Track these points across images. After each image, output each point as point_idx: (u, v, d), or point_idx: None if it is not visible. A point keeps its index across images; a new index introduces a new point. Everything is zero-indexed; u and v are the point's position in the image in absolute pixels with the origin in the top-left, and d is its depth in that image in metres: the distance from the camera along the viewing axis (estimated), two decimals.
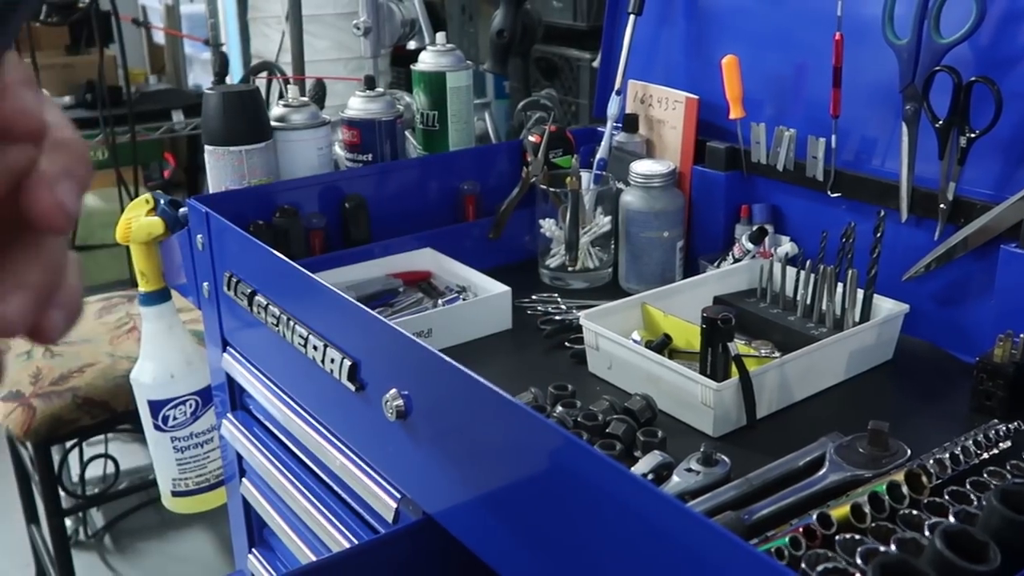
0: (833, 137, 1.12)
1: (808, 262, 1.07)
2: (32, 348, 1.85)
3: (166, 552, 2.33)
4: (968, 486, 0.77)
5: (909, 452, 0.82)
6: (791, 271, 1.10)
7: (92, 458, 2.22)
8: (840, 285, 1.04)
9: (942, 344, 1.07)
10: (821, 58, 1.11)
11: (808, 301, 1.07)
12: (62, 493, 1.88)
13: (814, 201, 1.17)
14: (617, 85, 1.34)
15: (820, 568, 0.65)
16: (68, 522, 2.33)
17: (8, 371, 1.78)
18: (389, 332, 0.82)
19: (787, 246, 1.18)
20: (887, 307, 1.03)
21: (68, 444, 2.00)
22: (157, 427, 1.29)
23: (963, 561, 0.57)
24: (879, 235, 1.01)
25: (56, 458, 1.84)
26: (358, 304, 0.87)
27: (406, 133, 1.47)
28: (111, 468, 2.16)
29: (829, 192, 1.14)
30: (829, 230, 1.09)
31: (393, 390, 0.82)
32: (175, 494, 1.32)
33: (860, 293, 1.03)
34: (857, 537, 0.70)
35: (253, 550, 1.28)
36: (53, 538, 1.83)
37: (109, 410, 1.75)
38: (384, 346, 0.85)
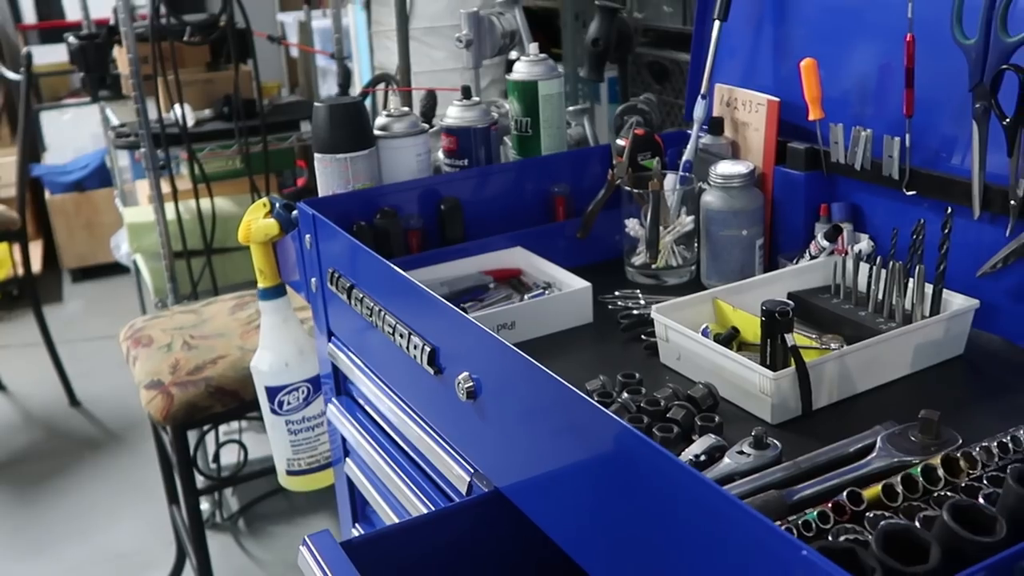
0: (907, 136, 1.14)
1: (879, 258, 1.10)
2: (172, 341, 2.02)
3: (294, 535, 2.49)
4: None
5: (960, 441, 0.85)
6: (864, 267, 1.13)
7: (224, 442, 2.40)
8: (910, 281, 1.06)
9: (1017, 340, 1.07)
10: (894, 59, 1.13)
11: (879, 297, 1.10)
12: (197, 475, 2.04)
13: (891, 199, 1.19)
14: (703, 89, 1.38)
15: (842, 539, 0.69)
16: (205, 505, 2.52)
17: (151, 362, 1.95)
18: (462, 321, 0.91)
19: (864, 243, 1.20)
20: (957, 302, 1.05)
21: (203, 429, 2.18)
22: (273, 411, 1.41)
23: (967, 532, 0.61)
24: (947, 231, 1.03)
25: (192, 442, 2.01)
26: (438, 297, 0.96)
27: (504, 139, 1.55)
28: (243, 455, 2.33)
29: (904, 190, 1.16)
30: (905, 227, 1.11)
31: (465, 373, 0.91)
32: (289, 473, 1.44)
33: (929, 289, 1.05)
34: (887, 515, 0.73)
35: (356, 524, 1.39)
36: (190, 517, 2.00)
37: (238, 399, 1.90)
38: (458, 334, 0.93)
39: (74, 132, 4.46)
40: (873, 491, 0.76)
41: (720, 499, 0.61)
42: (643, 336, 1.15)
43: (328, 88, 3.75)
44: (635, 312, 1.21)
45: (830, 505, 0.74)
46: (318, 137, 1.34)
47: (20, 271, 3.16)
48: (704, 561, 0.64)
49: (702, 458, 0.88)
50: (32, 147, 4.17)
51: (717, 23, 1.36)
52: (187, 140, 2.54)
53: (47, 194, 4.31)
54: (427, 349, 0.97)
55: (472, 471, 0.96)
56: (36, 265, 4.17)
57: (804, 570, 0.53)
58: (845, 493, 0.75)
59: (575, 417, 0.77)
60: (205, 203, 2.61)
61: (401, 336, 1.02)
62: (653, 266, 1.32)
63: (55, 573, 2.42)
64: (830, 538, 0.71)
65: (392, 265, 1.04)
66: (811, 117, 1.24)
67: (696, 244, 1.33)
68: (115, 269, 4.14)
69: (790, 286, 1.17)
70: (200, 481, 2.11)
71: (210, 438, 2.42)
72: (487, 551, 0.94)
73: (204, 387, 1.88)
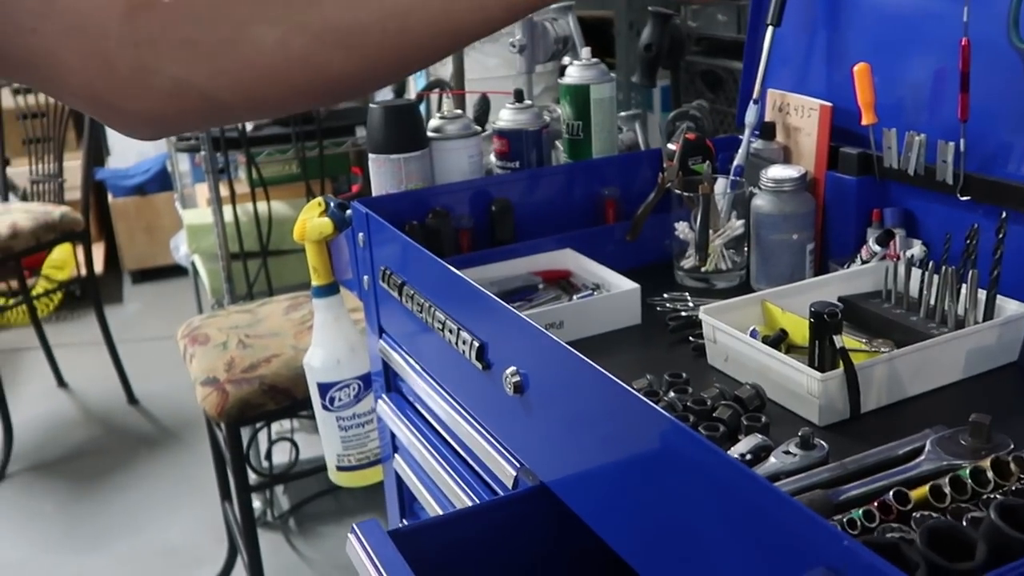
0: (962, 141, 1.13)
1: (931, 263, 1.09)
2: (228, 339, 2.07)
3: (341, 535, 2.52)
4: None
5: (1012, 446, 0.84)
6: (916, 272, 1.12)
7: (276, 440, 2.44)
8: (963, 286, 1.05)
9: None
10: (948, 64, 1.12)
11: (931, 302, 1.09)
12: (250, 472, 2.08)
13: (944, 205, 1.18)
14: (755, 94, 1.38)
15: (888, 536, 0.69)
16: (256, 503, 2.57)
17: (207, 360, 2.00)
18: (509, 317, 0.92)
19: (916, 249, 1.19)
20: (1011, 308, 1.04)
21: (256, 427, 2.22)
22: (325, 407, 1.43)
23: (1015, 532, 0.60)
24: (1001, 236, 1.02)
25: (245, 440, 2.05)
26: (486, 292, 0.97)
27: (556, 142, 1.57)
28: (294, 454, 2.36)
29: (959, 195, 1.15)
30: (959, 233, 1.10)
31: (513, 367, 0.92)
32: (339, 468, 1.47)
33: (982, 294, 1.04)
34: (933, 515, 0.73)
35: (403, 520, 1.40)
36: (242, 513, 2.03)
37: (291, 397, 1.93)
38: (507, 330, 0.94)
39: None
40: (920, 492, 0.75)
41: (764, 491, 0.61)
42: (691, 338, 1.16)
43: (383, 94, 3.80)
44: (683, 314, 1.21)
45: (876, 504, 0.74)
46: (373, 138, 1.36)
47: (83, 272, 3.24)
48: (748, 555, 0.64)
49: (748, 457, 0.88)
50: (96, 151, 4.29)
51: (770, 28, 1.36)
52: (246, 144, 2.60)
53: (110, 197, 4.43)
54: (476, 344, 0.99)
55: (518, 465, 0.97)
56: (98, 266, 4.28)
57: (846, 560, 0.53)
58: (892, 492, 0.74)
59: (623, 412, 0.78)
60: (262, 206, 2.67)
61: (450, 332, 1.04)
62: (702, 269, 1.33)
63: (110, 567, 2.48)
64: (875, 536, 0.71)
65: (444, 263, 1.06)
66: (864, 122, 1.23)
67: (746, 248, 1.33)
68: (173, 272, 4.23)
69: (840, 290, 1.17)
70: (252, 478, 2.15)
71: (263, 436, 2.46)
72: (531, 544, 0.95)
73: (258, 385, 1.91)
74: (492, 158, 1.49)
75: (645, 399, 0.76)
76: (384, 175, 1.36)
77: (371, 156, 1.37)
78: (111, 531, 2.62)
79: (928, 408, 0.98)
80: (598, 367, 0.79)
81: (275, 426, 2.62)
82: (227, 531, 2.35)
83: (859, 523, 0.73)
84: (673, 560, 0.74)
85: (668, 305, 1.26)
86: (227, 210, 2.57)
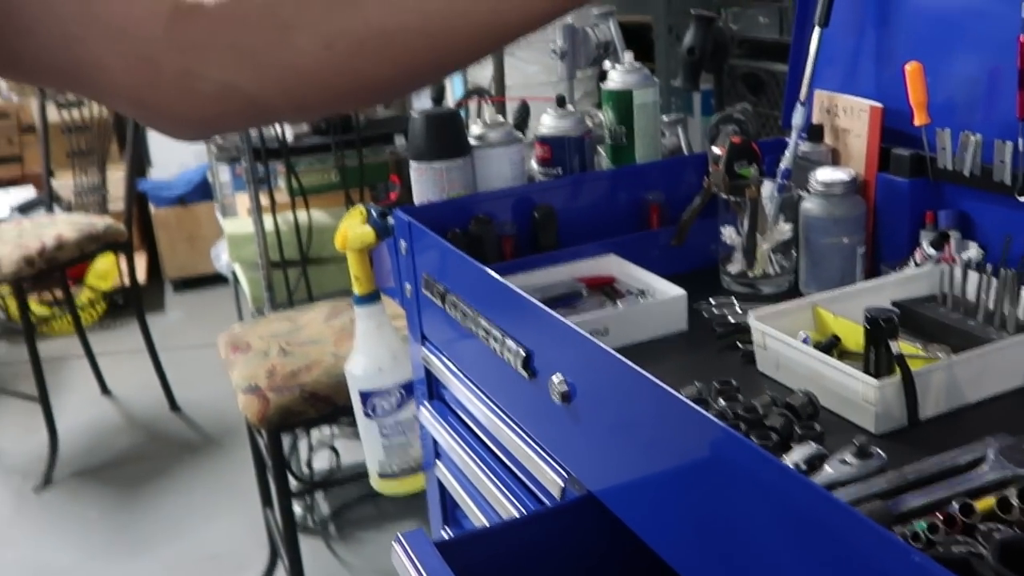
0: (1020, 141, 1.10)
1: (989, 266, 1.06)
2: (268, 347, 2.07)
3: (382, 542, 2.52)
4: None
5: None
6: (973, 276, 1.09)
7: (317, 446, 2.45)
8: (1023, 289, 1.02)
9: None
10: (1004, 62, 1.09)
11: (990, 306, 1.06)
12: (291, 479, 2.08)
13: (1003, 206, 1.15)
14: (802, 96, 1.36)
15: (955, 550, 0.67)
16: (297, 508, 2.57)
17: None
18: (556, 324, 0.90)
19: (972, 251, 1.16)
20: None
21: (296, 434, 2.22)
22: (367, 415, 1.43)
23: None
24: None
25: (286, 447, 2.05)
26: (531, 299, 0.96)
27: (598, 148, 1.55)
28: (334, 460, 2.37)
29: (1018, 196, 1.11)
30: (1019, 234, 1.07)
31: (560, 375, 0.90)
32: (381, 476, 1.46)
33: None
34: (1001, 527, 0.70)
35: (446, 527, 1.39)
36: (283, 519, 2.03)
37: (332, 404, 1.93)
38: (552, 337, 0.93)
39: (178, 148, 4.60)
40: (986, 503, 0.73)
41: (824, 502, 0.59)
42: (739, 344, 1.13)
43: (421, 103, 3.81)
44: (731, 320, 1.19)
45: (940, 516, 0.71)
46: (414, 146, 1.36)
47: (126, 281, 3.28)
48: (807, 569, 0.62)
49: (802, 467, 0.86)
50: (138, 163, 4.34)
51: (817, 29, 1.34)
52: (286, 154, 2.61)
53: (152, 208, 4.47)
54: (521, 353, 0.97)
55: (566, 475, 0.96)
56: (141, 276, 4.32)
57: None
58: (956, 504, 0.72)
59: (673, 421, 0.76)
60: (302, 215, 2.68)
61: (495, 340, 1.03)
62: (750, 274, 1.30)
63: (155, 572, 2.49)
64: (940, 549, 0.69)
65: (488, 270, 1.04)
66: (916, 122, 1.20)
67: (794, 252, 1.31)
68: (214, 280, 4.27)
69: (894, 295, 1.14)
70: (293, 485, 2.15)
71: (303, 443, 2.47)
72: (580, 554, 0.94)
73: (299, 392, 1.91)
74: (534, 164, 1.48)
75: (696, 406, 0.74)
76: (426, 183, 1.35)
77: (413, 164, 1.37)
78: (155, 537, 2.63)
79: (988, 415, 0.95)
80: (647, 374, 0.78)
81: (315, 432, 2.63)
82: (268, 536, 2.36)
83: (923, 536, 0.70)
84: (728, 572, 0.72)
85: (715, 311, 1.23)
86: (267, 219, 2.58)
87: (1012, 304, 1.03)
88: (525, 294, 0.97)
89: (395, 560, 0.86)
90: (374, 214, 1.36)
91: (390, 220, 1.33)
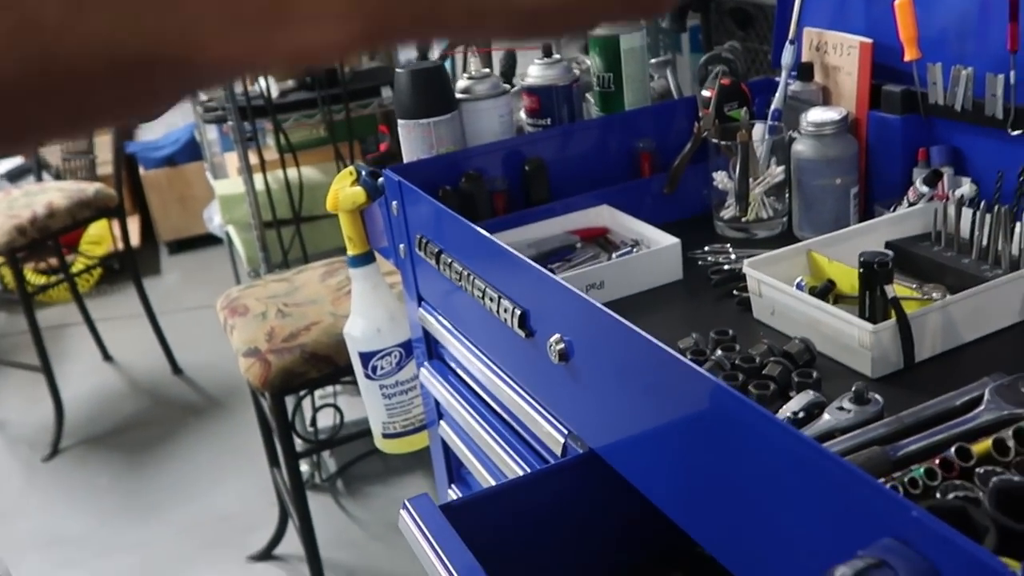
0: (1012, 73, 1.08)
1: (983, 203, 1.05)
2: (266, 310, 2.07)
3: (389, 495, 2.55)
4: None
5: None
6: (966, 213, 1.08)
7: (321, 407, 2.46)
8: (1017, 225, 1.02)
9: None
10: None
11: (984, 243, 1.05)
12: (296, 439, 2.10)
13: (994, 140, 1.14)
14: (791, 34, 1.34)
15: (951, 496, 0.67)
16: (304, 467, 2.59)
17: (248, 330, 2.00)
18: (550, 283, 0.90)
19: (966, 188, 1.15)
20: None
21: (300, 394, 2.23)
22: (367, 376, 1.43)
23: None
24: None
25: (290, 407, 2.07)
26: (526, 259, 0.95)
27: (586, 96, 1.53)
28: (338, 418, 2.38)
29: (1009, 130, 1.10)
30: (1011, 170, 1.06)
31: (557, 335, 0.90)
32: (385, 436, 1.47)
33: None
34: (998, 470, 0.71)
35: (452, 485, 1.41)
36: (291, 479, 2.05)
37: (333, 364, 1.94)
38: (548, 296, 0.93)
39: None
40: (983, 446, 0.73)
41: (822, 457, 0.60)
42: (735, 292, 1.13)
43: (406, 53, 3.76)
44: (726, 267, 1.19)
45: (937, 461, 0.72)
46: (401, 103, 1.34)
47: (120, 246, 3.26)
48: (806, 522, 0.63)
49: (800, 415, 0.86)
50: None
51: None
52: (272, 111, 2.58)
53: (141, 170, 4.44)
54: (517, 312, 0.97)
55: (566, 432, 0.96)
56: (134, 240, 4.30)
57: (914, 531, 0.52)
58: (953, 449, 0.72)
59: (669, 376, 0.77)
60: (292, 173, 2.66)
61: (491, 300, 1.03)
62: (743, 219, 1.30)
63: (168, 535, 2.52)
64: (938, 495, 0.69)
65: (479, 229, 1.04)
66: (907, 58, 1.19)
67: (787, 195, 1.30)
68: (209, 240, 4.26)
69: (888, 235, 1.14)
70: (299, 444, 2.16)
71: (307, 403, 2.48)
72: (583, 511, 0.95)
73: (299, 353, 1.92)
74: (522, 116, 1.47)
75: (690, 363, 0.74)
76: (414, 141, 1.34)
77: (400, 122, 1.35)
78: (166, 501, 2.66)
79: (984, 355, 0.95)
80: (642, 332, 0.78)
81: (318, 392, 2.64)
82: (277, 496, 2.38)
83: (920, 482, 0.71)
84: (729, 526, 0.72)
85: (710, 259, 1.23)
86: (258, 178, 2.56)
87: (1006, 241, 1.02)
88: (519, 254, 0.97)
89: (402, 525, 0.87)
90: (364, 174, 1.35)
91: (380, 180, 1.32)
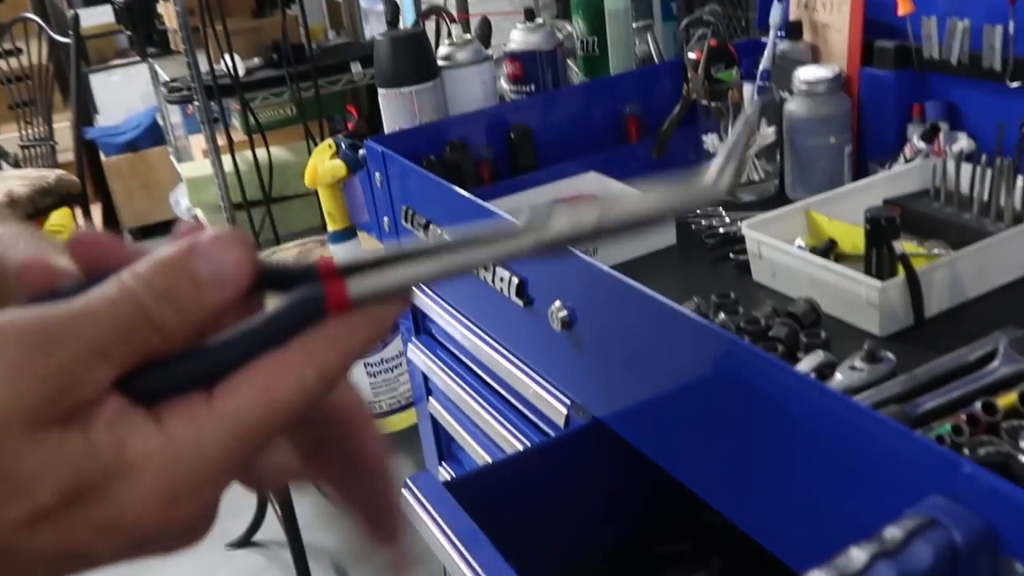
0: (1011, 23, 1.06)
1: (984, 156, 1.03)
2: None
3: None
4: None
5: None
6: (966, 168, 1.06)
7: None
8: (1019, 178, 1.00)
9: None
10: None
11: (985, 197, 1.03)
12: None
13: (993, 94, 1.12)
14: None
15: (982, 452, 0.65)
16: None
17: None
18: None
19: (963, 142, 1.13)
20: None
21: None
22: None
23: None
24: None
25: None
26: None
27: (568, 61, 1.50)
28: None
29: (1008, 82, 1.08)
30: (1011, 122, 1.04)
31: (558, 302, 0.87)
32: None
33: None
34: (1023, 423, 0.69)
35: (443, 463, 1.37)
36: None
37: None
38: (546, 262, 0.89)
39: (124, 93, 4.46)
40: (1008, 400, 0.71)
41: (860, 415, 0.57)
42: (731, 255, 1.11)
43: (372, 28, 3.69)
44: (720, 230, 1.16)
45: (964, 417, 0.69)
46: (381, 71, 1.29)
47: None
48: (843, 483, 0.60)
49: (812, 375, 0.84)
50: (84, 111, 4.19)
51: None
52: (239, 90, 2.52)
53: (102, 156, 4.34)
54: (515, 281, 0.94)
55: (569, 403, 0.93)
56: (98, 227, 4.22)
57: (966, 487, 0.49)
58: (979, 404, 0.70)
59: (680, 337, 0.74)
60: (260, 153, 2.59)
61: (485, 269, 0.99)
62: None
63: None
64: (967, 452, 0.67)
65: (473, 197, 1.00)
66: (900, 12, 1.16)
67: (778, 156, 1.27)
68: (173, 226, 4.17)
69: (885, 192, 1.11)
70: None
71: None
72: (588, 482, 0.92)
73: None
74: (503, 83, 1.43)
75: (706, 321, 0.71)
76: (396, 110, 1.30)
77: (381, 91, 1.31)
78: None
79: (993, 309, 0.93)
80: (652, 293, 0.75)
81: None
82: None
83: (948, 439, 0.68)
84: (752, 491, 0.70)
85: (703, 222, 1.21)
86: (225, 159, 2.50)
87: (1008, 194, 1.01)
88: (515, 219, 0.93)
89: (404, 504, 0.84)
90: (344, 147, 1.31)
91: (361, 152, 1.28)
